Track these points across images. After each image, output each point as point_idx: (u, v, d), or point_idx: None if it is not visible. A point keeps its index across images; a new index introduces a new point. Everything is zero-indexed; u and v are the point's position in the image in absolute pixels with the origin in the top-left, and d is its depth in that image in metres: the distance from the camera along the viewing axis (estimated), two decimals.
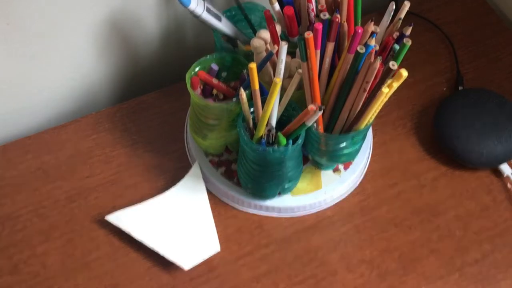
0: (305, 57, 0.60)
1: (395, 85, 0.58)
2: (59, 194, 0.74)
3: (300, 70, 0.60)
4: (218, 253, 0.70)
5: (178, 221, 0.71)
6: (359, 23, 0.67)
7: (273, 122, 0.64)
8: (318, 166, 0.75)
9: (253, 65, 0.58)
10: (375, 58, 0.58)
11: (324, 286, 0.68)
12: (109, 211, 0.71)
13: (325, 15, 0.60)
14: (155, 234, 0.70)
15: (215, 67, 0.69)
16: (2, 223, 0.72)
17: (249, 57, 0.68)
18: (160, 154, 0.78)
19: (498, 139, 0.74)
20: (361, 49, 0.58)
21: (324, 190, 0.74)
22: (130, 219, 0.70)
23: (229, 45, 0.73)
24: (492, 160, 0.74)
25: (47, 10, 0.71)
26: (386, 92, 0.59)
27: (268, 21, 0.65)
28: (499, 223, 0.72)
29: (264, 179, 0.69)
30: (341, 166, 0.75)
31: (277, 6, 0.67)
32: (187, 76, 0.67)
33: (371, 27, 0.60)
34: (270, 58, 0.64)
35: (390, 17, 0.64)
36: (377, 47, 0.60)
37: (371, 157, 0.78)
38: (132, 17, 0.78)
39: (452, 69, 0.86)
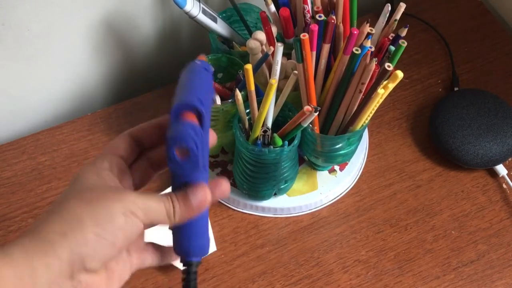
0: (301, 59, 0.60)
1: (391, 86, 0.58)
2: (55, 195, 0.74)
3: (295, 71, 0.60)
4: (214, 253, 0.70)
5: None
6: (355, 25, 0.67)
7: (269, 123, 0.64)
8: (314, 167, 0.75)
9: (248, 66, 0.58)
10: (371, 59, 0.58)
11: (320, 286, 0.68)
12: None
13: (321, 17, 0.60)
14: (150, 234, 0.69)
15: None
16: None
17: (245, 58, 0.68)
18: None
19: (494, 140, 0.74)
20: (356, 50, 0.59)
21: (320, 191, 0.74)
22: None
23: (224, 46, 0.73)
24: (487, 161, 0.74)
25: (43, 10, 0.70)
26: (382, 93, 0.59)
27: (264, 22, 0.65)
28: (495, 223, 0.73)
29: (260, 180, 0.69)
30: (337, 167, 0.76)
31: (272, 8, 0.67)
32: None
33: (367, 28, 0.61)
34: (265, 59, 0.64)
35: (386, 19, 0.64)
36: (373, 49, 0.60)
37: (367, 157, 0.78)
38: (128, 18, 0.78)
39: (448, 70, 0.86)
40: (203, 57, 0.46)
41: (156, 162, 0.45)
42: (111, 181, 0.40)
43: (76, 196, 0.38)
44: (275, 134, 0.64)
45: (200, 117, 0.40)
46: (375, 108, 0.62)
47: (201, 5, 0.67)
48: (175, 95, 0.41)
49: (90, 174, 0.40)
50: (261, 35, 0.65)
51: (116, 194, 0.38)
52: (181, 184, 0.41)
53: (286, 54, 0.66)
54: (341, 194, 0.75)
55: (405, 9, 0.62)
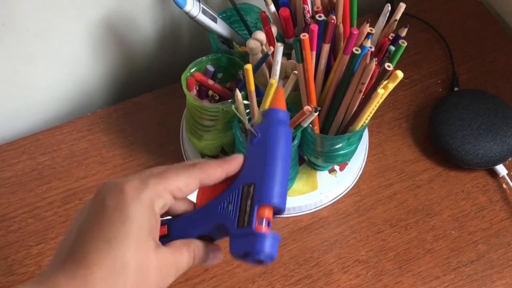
0: (301, 59, 0.60)
1: (391, 86, 0.58)
2: (55, 195, 0.74)
3: (295, 71, 0.60)
4: None
5: None
6: (355, 25, 0.67)
7: None
8: (314, 167, 0.75)
9: (248, 66, 0.58)
10: (371, 59, 0.58)
11: (320, 286, 0.68)
12: None
13: (321, 17, 0.60)
14: None
15: (210, 68, 0.69)
16: None
17: (245, 58, 0.68)
18: (156, 155, 0.77)
19: (494, 140, 0.74)
20: (356, 50, 0.59)
21: (320, 191, 0.74)
22: None
23: (224, 46, 0.73)
24: (487, 161, 0.74)
25: (43, 11, 0.70)
26: (382, 93, 0.59)
27: (264, 22, 0.65)
28: (495, 223, 0.73)
29: None
30: (337, 167, 0.76)
31: (272, 8, 0.67)
32: (183, 77, 0.67)
33: (367, 28, 0.61)
34: (265, 59, 0.64)
35: (386, 19, 0.64)
36: (373, 49, 0.60)
37: (367, 157, 0.78)
38: (128, 18, 0.78)
39: (448, 70, 0.86)
40: (282, 100, 0.45)
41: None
42: (155, 235, 0.40)
43: (128, 266, 0.37)
44: None
45: (278, 212, 0.42)
46: (375, 108, 0.62)
47: (201, 5, 0.67)
48: (261, 168, 0.41)
49: (145, 224, 0.38)
50: (261, 35, 0.65)
51: (159, 275, 0.39)
52: (207, 236, 0.43)
53: (286, 54, 0.66)
54: (341, 194, 0.75)
55: (405, 9, 0.62)
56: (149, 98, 0.83)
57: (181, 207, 0.44)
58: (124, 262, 0.37)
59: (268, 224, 0.41)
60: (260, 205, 0.40)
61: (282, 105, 0.45)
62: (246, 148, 0.44)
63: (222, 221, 0.42)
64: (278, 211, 0.41)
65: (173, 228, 0.44)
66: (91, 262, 0.36)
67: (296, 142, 0.64)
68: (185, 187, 0.41)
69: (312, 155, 0.71)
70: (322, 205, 0.74)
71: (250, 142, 0.44)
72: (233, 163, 0.43)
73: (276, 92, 0.47)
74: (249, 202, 0.41)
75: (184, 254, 0.41)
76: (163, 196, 0.40)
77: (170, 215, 0.45)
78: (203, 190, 0.45)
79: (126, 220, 0.37)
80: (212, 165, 0.42)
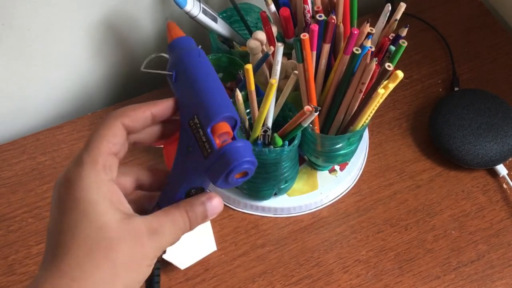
0: (301, 58, 0.60)
1: (391, 86, 0.58)
2: None
3: (296, 71, 0.60)
4: (214, 253, 0.70)
5: None
6: (355, 24, 0.67)
7: (269, 123, 0.64)
8: (314, 167, 0.75)
9: (249, 66, 0.58)
10: (371, 59, 0.58)
11: (320, 286, 0.68)
12: None
13: (321, 17, 0.60)
14: None
15: None
16: None
17: (245, 58, 0.68)
18: (156, 155, 0.77)
19: (494, 140, 0.74)
20: (357, 50, 0.59)
21: (320, 191, 0.74)
22: None
23: (225, 46, 0.73)
24: (487, 161, 0.74)
25: (43, 11, 0.70)
26: (382, 93, 0.59)
27: (264, 22, 0.65)
28: (495, 223, 0.73)
29: (260, 179, 0.69)
30: (337, 167, 0.76)
31: (273, 7, 0.67)
32: None
33: (367, 28, 0.61)
34: (266, 59, 0.64)
35: (386, 18, 0.64)
36: (373, 48, 0.60)
37: (367, 157, 0.78)
38: (128, 18, 0.78)
39: (448, 70, 0.86)
40: (176, 29, 0.45)
41: (135, 142, 0.43)
42: (119, 203, 0.38)
43: (96, 248, 0.36)
44: (275, 134, 0.64)
45: (234, 124, 0.40)
46: (375, 108, 0.62)
47: (201, 5, 0.67)
48: (201, 99, 0.40)
49: (99, 197, 0.37)
50: (261, 35, 0.65)
51: (138, 246, 0.37)
52: (196, 188, 0.41)
53: (287, 54, 0.66)
54: (341, 194, 0.75)
55: (405, 9, 0.62)
56: (149, 98, 0.83)
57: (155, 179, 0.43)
58: (91, 242, 0.36)
59: (234, 138, 0.39)
60: (211, 126, 0.39)
61: (179, 34, 0.44)
62: (174, 92, 0.42)
63: (192, 165, 0.40)
64: (233, 122, 0.39)
65: (162, 206, 0.42)
66: (66, 251, 0.36)
67: (296, 142, 0.64)
68: (114, 139, 0.39)
69: (312, 155, 0.71)
70: (322, 205, 0.74)
71: (173, 84, 0.42)
72: (159, 103, 0.41)
73: (168, 26, 0.45)
74: (201, 132, 0.39)
75: (173, 215, 0.39)
76: (102, 162, 0.38)
77: (153, 190, 0.44)
78: (169, 152, 0.43)
79: (79, 202, 0.37)
80: (131, 105, 0.41)
